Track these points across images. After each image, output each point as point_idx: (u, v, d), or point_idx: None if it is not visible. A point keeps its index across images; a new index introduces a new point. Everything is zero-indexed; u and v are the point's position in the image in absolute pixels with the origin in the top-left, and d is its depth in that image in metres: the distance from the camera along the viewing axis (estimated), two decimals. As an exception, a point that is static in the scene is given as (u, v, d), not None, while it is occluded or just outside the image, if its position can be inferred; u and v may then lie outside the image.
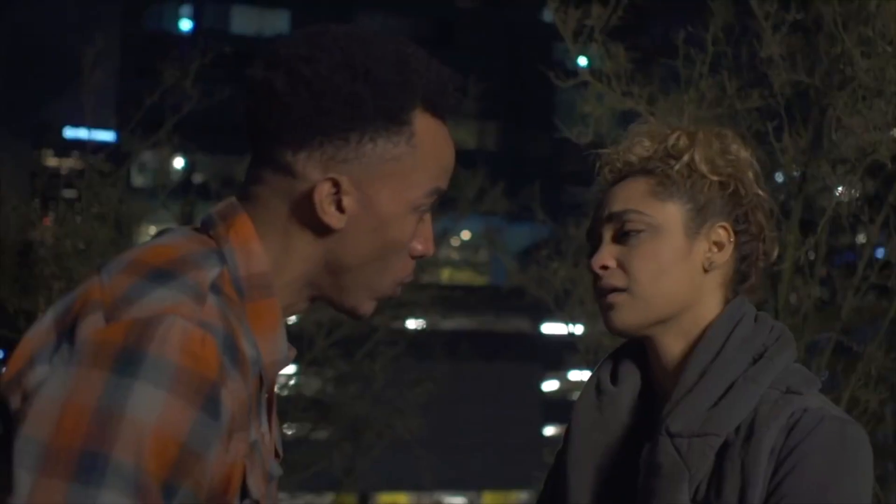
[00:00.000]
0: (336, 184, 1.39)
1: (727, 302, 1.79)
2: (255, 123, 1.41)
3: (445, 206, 8.84)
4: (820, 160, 5.00)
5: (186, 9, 35.63)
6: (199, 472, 1.26)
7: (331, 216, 1.39)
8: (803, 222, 5.17)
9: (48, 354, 1.27)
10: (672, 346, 1.77)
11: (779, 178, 5.34)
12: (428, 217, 1.48)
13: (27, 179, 9.02)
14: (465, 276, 10.14)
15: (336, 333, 8.17)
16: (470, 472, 28.54)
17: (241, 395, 1.32)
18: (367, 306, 1.47)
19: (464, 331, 11.78)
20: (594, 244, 1.80)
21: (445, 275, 11.04)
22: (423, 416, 9.22)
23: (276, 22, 32.91)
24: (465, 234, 11.55)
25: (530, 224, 8.67)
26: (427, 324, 9.58)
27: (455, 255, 10.43)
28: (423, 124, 1.43)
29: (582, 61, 5.46)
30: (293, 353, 1.48)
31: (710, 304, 1.78)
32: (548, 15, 5.48)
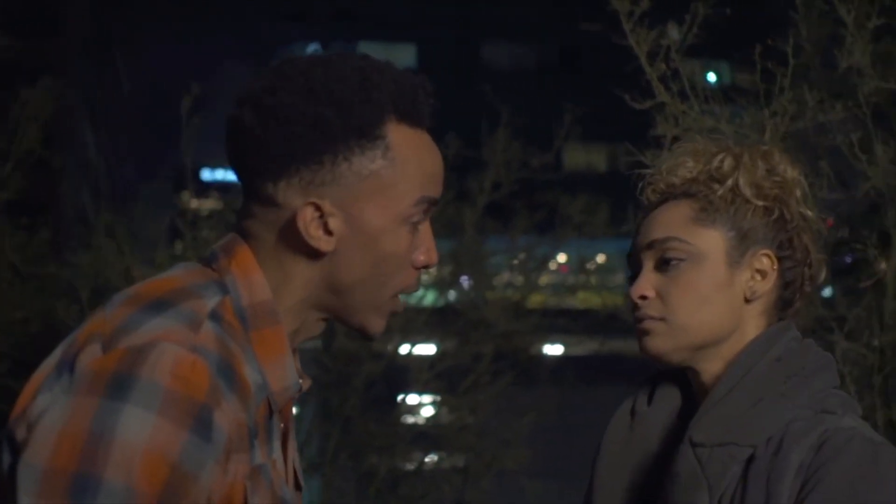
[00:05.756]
0: (318, 207, 1.41)
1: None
2: (235, 160, 1.45)
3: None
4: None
5: (314, 48, 36.29)
6: (196, 494, 1.29)
7: (318, 240, 1.42)
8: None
9: (50, 384, 1.32)
10: (710, 369, 1.73)
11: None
12: (425, 227, 1.47)
13: (168, 221, 9.28)
14: (602, 300, 10.03)
15: (439, 366, 8.20)
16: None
17: (238, 417, 1.34)
18: (375, 324, 1.48)
19: (595, 356, 11.67)
20: (635, 270, 1.77)
21: (580, 298, 10.94)
22: (557, 441, 9.15)
23: (403, 56, 33.29)
24: (601, 258, 11.45)
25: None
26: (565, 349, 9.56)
27: (592, 280, 10.38)
28: (399, 135, 1.43)
29: (711, 77, 5.32)
30: (307, 382, 1.49)
31: (750, 332, 1.73)
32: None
